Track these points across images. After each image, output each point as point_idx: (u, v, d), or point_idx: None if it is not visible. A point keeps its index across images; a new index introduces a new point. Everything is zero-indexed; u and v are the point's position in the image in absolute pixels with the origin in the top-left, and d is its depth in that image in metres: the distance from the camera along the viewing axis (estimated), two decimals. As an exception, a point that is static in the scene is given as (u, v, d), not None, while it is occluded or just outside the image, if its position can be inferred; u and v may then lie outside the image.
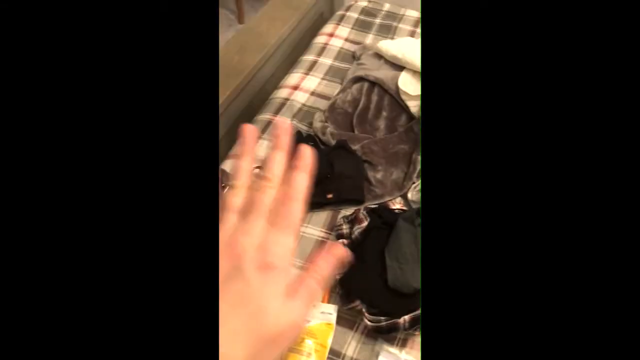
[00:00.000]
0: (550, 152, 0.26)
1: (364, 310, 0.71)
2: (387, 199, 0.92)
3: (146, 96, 0.26)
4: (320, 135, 1.02)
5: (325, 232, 0.87)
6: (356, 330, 0.73)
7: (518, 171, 0.26)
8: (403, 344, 0.71)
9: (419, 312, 0.69)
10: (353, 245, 0.77)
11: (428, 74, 0.27)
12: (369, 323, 0.70)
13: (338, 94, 1.12)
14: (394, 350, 0.69)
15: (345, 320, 0.74)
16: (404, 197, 0.93)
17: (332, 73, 1.22)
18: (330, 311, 0.74)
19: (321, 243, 0.85)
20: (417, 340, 0.71)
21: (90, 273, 0.24)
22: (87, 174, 0.25)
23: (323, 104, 1.12)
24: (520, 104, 0.26)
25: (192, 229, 0.25)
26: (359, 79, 1.11)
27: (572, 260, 0.25)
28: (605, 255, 0.24)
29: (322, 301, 0.76)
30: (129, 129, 0.25)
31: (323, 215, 0.90)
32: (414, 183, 0.94)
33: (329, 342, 0.71)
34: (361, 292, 0.72)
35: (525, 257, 0.25)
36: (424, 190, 0.27)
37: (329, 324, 0.73)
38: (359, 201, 0.91)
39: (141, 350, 0.23)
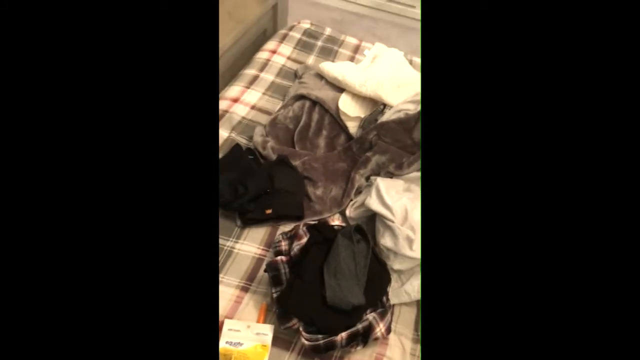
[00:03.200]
0: (549, 155, 0.26)
1: (301, 329, 0.69)
2: (325, 215, 0.92)
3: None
4: (260, 149, 1.00)
5: (263, 249, 0.84)
6: (292, 351, 0.70)
7: (517, 172, 0.25)
8: (339, 362, 0.70)
9: (356, 328, 0.69)
10: (292, 262, 0.75)
11: (428, 74, 0.26)
12: (306, 342, 0.68)
13: (280, 109, 1.12)
14: (330, 369, 0.68)
15: (281, 340, 0.71)
16: (342, 213, 0.94)
17: (274, 89, 1.21)
18: (266, 332, 0.70)
19: (257, 260, 0.82)
20: (352, 357, 0.71)
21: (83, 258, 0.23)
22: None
23: (263, 119, 1.11)
24: (519, 107, 0.26)
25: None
26: (301, 97, 1.12)
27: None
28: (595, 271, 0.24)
29: (258, 321, 0.73)
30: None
31: (261, 232, 0.87)
32: (351, 200, 0.96)
33: (264, 365, 0.67)
34: (299, 310, 0.70)
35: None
36: (423, 192, 0.26)
37: (264, 345, 0.69)
38: (298, 217, 0.90)
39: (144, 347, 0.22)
